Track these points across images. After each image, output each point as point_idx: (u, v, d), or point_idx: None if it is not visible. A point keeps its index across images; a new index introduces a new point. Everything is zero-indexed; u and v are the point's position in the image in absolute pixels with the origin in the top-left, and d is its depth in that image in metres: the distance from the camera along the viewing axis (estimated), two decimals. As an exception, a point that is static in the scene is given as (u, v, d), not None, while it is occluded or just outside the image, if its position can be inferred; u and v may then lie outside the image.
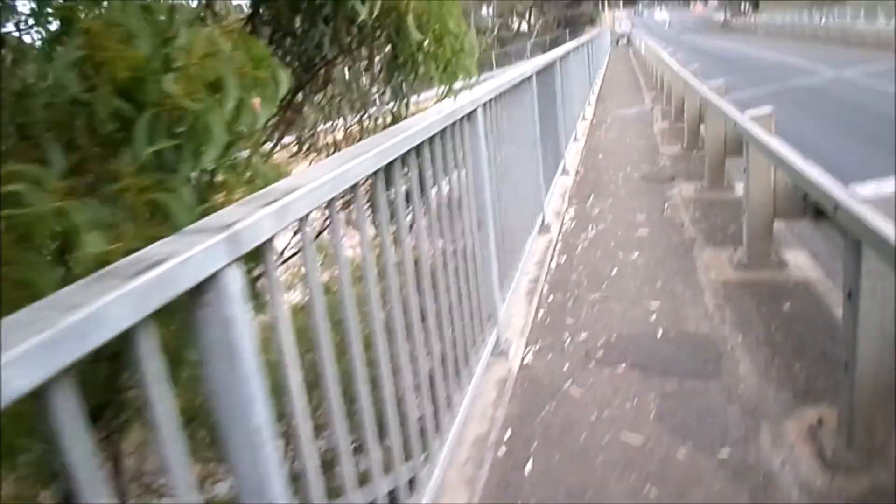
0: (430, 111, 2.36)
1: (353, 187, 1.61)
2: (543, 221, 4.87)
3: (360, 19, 1.82)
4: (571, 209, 5.63)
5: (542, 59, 5.55)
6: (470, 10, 43.32)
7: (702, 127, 7.51)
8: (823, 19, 34.67)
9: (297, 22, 2.22)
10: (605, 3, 58.92)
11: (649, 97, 13.71)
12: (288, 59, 2.47)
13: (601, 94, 14.90)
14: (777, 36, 37.63)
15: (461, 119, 2.73)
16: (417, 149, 2.20)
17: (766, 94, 13.56)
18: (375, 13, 1.81)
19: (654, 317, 3.48)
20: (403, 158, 2.01)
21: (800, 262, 4.05)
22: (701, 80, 7.34)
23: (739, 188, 5.71)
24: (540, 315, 3.62)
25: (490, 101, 3.23)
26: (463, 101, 2.66)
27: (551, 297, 3.85)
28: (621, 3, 72.94)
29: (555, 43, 33.42)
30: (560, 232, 4.99)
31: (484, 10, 48.75)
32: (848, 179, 2.50)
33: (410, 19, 1.85)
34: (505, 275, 3.41)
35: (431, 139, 2.21)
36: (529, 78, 4.61)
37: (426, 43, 2.03)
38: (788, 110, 10.68)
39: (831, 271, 3.92)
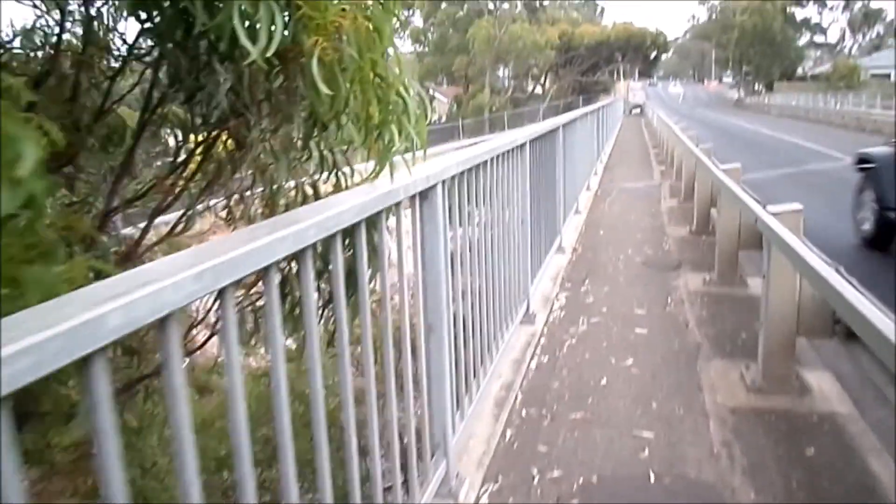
0: (362, 188, 1.77)
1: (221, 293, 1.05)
2: (528, 310, 4.24)
3: (251, 62, 1.23)
4: (563, 295, 5.00)
5: (539, 126, 5.01)
6: (486, 69, 43.75)
7: (713, 211, 6.95)
8: (838, 104, 34.65)
9: (189, 71, 1.65)
10: (621, 73, 59.54)
11: (658, 171, 13.24)
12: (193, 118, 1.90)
13: (609, 164, 14.45)
14: (790, 117, 37.56)
15: (415, 196, 2.15)
16: (348, 232, 1.62)
17: (780, 175, 13.07)
18: (271, 52, 1.23)
19: (645, 452, 2.82)
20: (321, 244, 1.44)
21: (825, 388, 3.39)
22: (713, 160, 6.81)
23: (753, 284, 5.09)
24: (508, 436, 2.96)
25: (461, 174, 2.65)
26: (417, 177, 2.07)
27: (524, 411, 3.19)
28: (637, 74, 73.93)
29: (569, 107, 33.44)
30: (546, 323, 4.35)
31: (501, 72, 49.23)
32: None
33: (315, 65, 1.26)
34: (467, 388, 2.77)
35: (354, 226, 1.62)
36: (522, 146, 4.05)
37: (351, 100, 1.44)
38: (804, 194, 10.13)
39: (861, 402, 3.28)
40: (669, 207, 8.87)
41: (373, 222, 1.83)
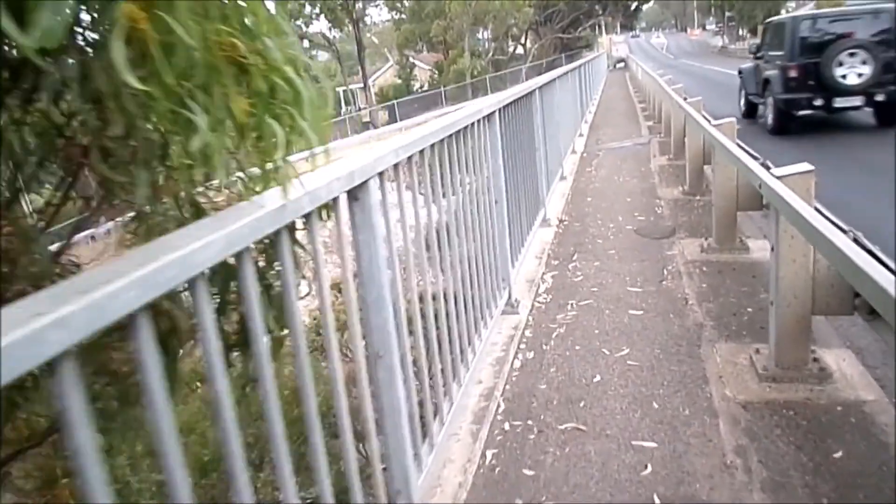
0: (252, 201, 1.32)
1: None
2: (510, 298, 3.82)
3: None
4: (549, 276, 4.57)
5: (511, 91, 4.53)
6: (465, 32, 42.72)
7: (706, 169, 6.51)
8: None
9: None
10: (603, 28, 58.40)
11: (646, 127, 12.73)
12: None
13: (595, 123, 13.94)
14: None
15: (354, 190, 1.72)
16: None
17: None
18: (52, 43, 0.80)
19: (647, 469, 2.42)
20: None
21: (846, 371, 2.99)
22: (704, 114, 6.35)
23: (755, 247, 4.68)
24: (488, 459, 2.55)
25: (408, 159, 2.20)
26: (340, 173, 1.62)
27: (507, 424, 2.78)
28: (619, 27, 72.68)
29: (552, 66, 32.68)
30: (531, 311, 3.93)
31: (480, 34, 48.14)
32: None
33: (118, 46, 0.82)
34: (436, 412, 2.35)
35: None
36: (489, 116, 3.59)
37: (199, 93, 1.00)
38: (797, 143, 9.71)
39: (889, 387, 2.88)
40: (660, 166, 8.41)
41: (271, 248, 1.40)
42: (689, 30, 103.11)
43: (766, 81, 11.43)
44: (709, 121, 5.51)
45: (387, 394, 1.91)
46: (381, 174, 1.91)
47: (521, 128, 4.78)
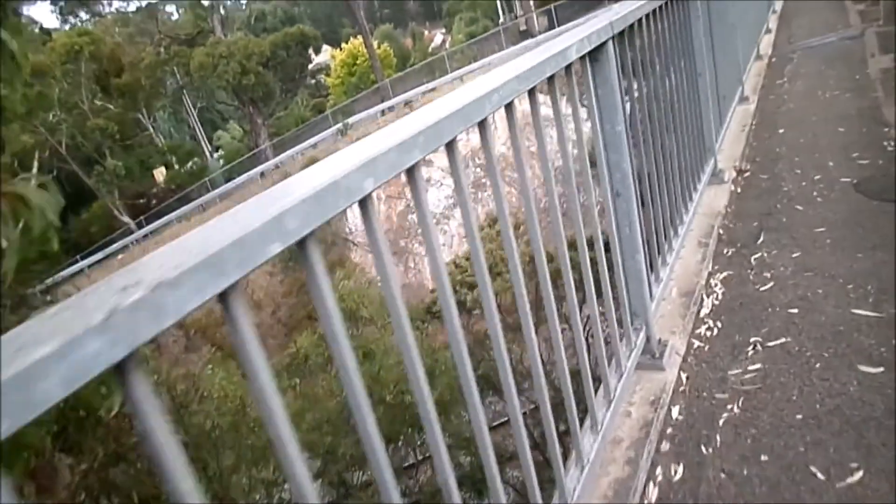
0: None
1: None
2: (648, 341, 2.38)
3: None
4: (718, 281, 3.00)
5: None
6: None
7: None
8: None
9: None
10: None
11: (856, 12, 9.93)
12: None
13: (784, 12, 11.24)
14: None
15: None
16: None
17: None
18: None
19: None
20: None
21: None
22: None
23: None
24: None
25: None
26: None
27: None
28: None
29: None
30: (685, 359, 2.46)
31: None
32: None
33: None
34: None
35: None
36: (593, 55, 2.09)
37: None
38: None
39: None
40: (882, 71, 6.13)
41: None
42: None
43: None
44: None
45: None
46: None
47: (672, 49, 3.15)
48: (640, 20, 2.51)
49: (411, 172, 1.10)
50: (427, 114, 1.17)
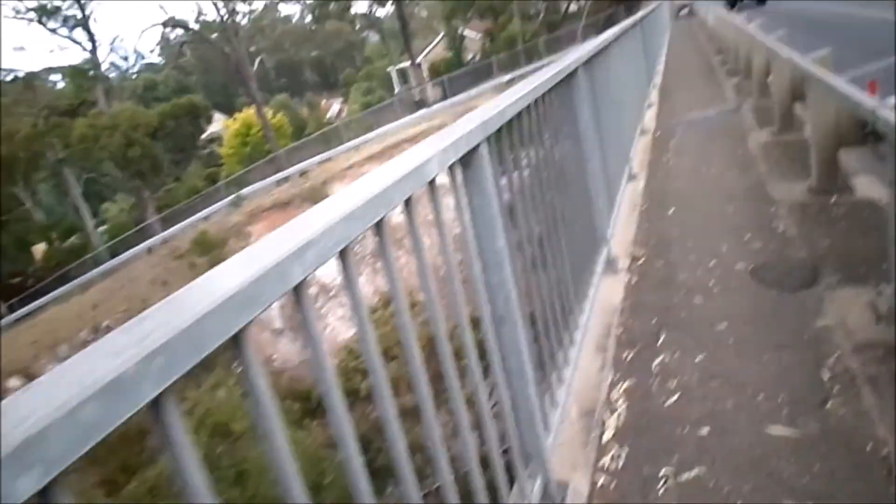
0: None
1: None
2: (547, 485, 2.01)
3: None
4: (621, 394, 2.69)
5: (544, 74, 2.61)
6: (514, -5, 40.00)
7: (841, 153, 4.43)
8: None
9: None
10: (663, -28, 54.14)
11: (731, 86, 10.42)
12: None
13: (665, 86, 11.70)
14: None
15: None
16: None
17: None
18: None
19: None
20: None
21: None
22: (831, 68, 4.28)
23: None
24: None
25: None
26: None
27: None
28: (680, -29, 67.90)
29: (610, 21, 29.84)
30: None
31: (530, -6, 45.20)
32: None
33: None
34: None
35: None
36: (466, 157, 1.76)
37: None
38: None
39: None
40: (763, 145, 6.27)
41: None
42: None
43: None
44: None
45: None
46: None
47: (558, 133, 2.91)
48: (519, 113, 2.23)
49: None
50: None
